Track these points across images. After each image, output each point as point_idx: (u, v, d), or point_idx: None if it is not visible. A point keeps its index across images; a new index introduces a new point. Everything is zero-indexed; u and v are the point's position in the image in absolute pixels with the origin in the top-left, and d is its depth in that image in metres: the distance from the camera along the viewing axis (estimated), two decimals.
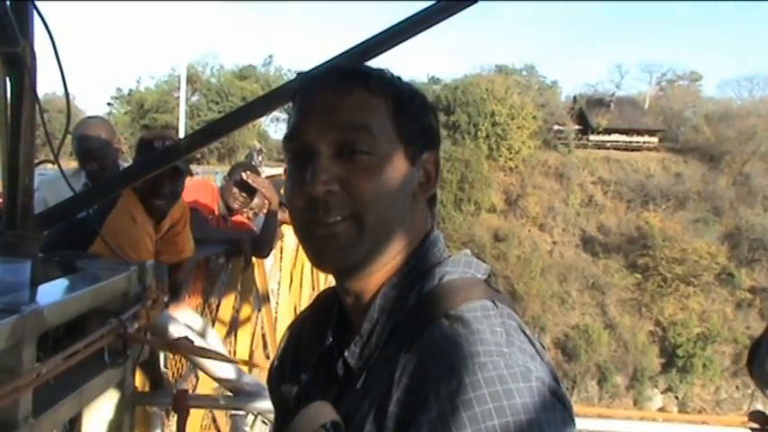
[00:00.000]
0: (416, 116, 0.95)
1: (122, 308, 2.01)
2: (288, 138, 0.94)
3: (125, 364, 2.06)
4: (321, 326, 1.03)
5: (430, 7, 1.88)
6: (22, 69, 1.86)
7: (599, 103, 45.90)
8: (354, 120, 0.90)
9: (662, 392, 34.85)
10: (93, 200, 2.26)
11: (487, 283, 0.92)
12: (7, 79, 1.86)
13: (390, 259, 0.92)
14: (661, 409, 34.01)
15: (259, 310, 5.30)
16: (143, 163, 2.45)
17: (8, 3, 1.77)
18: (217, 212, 4.47)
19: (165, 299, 2.31)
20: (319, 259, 0.92)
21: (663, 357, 35.59)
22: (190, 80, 38.36)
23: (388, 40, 1.92)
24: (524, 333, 0.85)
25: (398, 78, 0.98)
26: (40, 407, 1.57)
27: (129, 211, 2.75)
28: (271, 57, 47.03)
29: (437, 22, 1.90)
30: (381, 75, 0.96)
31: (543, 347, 0.87)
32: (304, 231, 0.92)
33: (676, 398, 34.58)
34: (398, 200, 0.91)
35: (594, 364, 34.91)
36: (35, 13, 1.87)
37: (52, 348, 1.73)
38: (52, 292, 1.78)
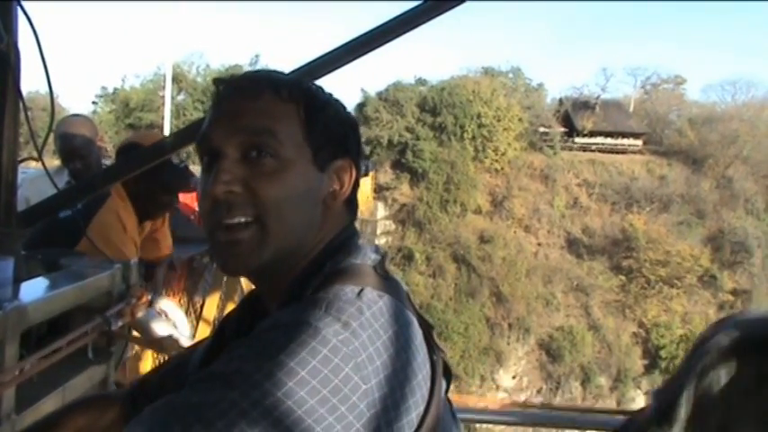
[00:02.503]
0: (328, 124, 0.98)
1: (106, 306, 2.02)
2: (198, 141, 0.97)
3: (108, 362, 2.06)
4: (243, 327, 1.05)
5: (417, 7, 1.89)
6: (6, 67, 1.86)
7: (584, 105, 46.01)
8: (260, 124, 0.92)
9: (645, 393, 35.01)
10: (77, 198, 2.25)
11: (376, 268, 0.94)
12: None
13: (298, 262, 0.96)
14: None
15: None
16: (127, 161, 2.45)
17: None
18: (197, 212, 4.46)
19: (150, 297, 2.31)
20: (224, 266, 0.95)
21: (646, 359, 35.80)
22: (175, 79, 38.15)
23: (376, 39, 1.93)
24: (395, 321, 0.86)
25: (316, 87, 1.02)
26: (23, 403, 1.57)
27: (118, 213, 2.71)
28: (257, 56, 46.71)
29: (424, 22, 1.91)
30: (294, 82, 0.99)
31: (426, 342, 0.91)
32: (210, 236, 0.94)
33: None
34: (303, 204, 0.94)
35: (578, 365, 35.06)
36: (20, 10, 1.87)
37: (35, 346, 1.73)
38: (35, 289, 1.78)
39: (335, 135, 0.99)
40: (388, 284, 0.92)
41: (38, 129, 2.49)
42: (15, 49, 1.87)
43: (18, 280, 1.76)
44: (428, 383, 0.87)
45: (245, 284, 5.11)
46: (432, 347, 0.93)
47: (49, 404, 1.71)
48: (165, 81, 28.55)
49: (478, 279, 36.98)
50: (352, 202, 1.03)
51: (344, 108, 1.04)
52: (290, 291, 0.94)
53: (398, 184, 39.92)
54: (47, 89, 2.00)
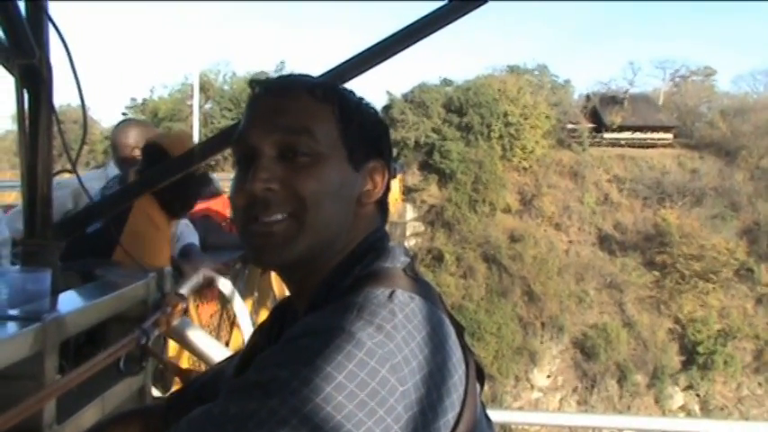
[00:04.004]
0: (362, 125, 0.99)
1: (142, 314, 2.04)
2: (234, 140, 0.98)
3: (146, 372, 2.09)
4: (273, 335, 1.07)
5: (441, 8, 1.90)
6: (39, 81, 1.89)
7: (612, 100, 45.55)
8: (297, 123, 0.94)
9: (683, 390, 34.51)
10: (112, 208, 2.29)
11: (406, 271, 0.94)
12: (24, 91, 1.89)
13: (328, 261, 0.96)
14: (682, 408, 33.72)
15: None
16: (159, 170, 2.47)
17: (24, 15, 1.80)
18: (229, 219, 4.50)
19: (185, 306, 2.33)
20: (258, 257, 0.95)
21: (683, 355, 35.25)
22: (203, 88, 38.50)
23: (401, 41, 1.94)
24: (428, 322, 0.86)
25: (349, 91, 1.04)
26: (64, 413, 1.59)
27: (147, 214, 2.74)
28: (282, 63, 46.82)
29: (449, 23, 1.92)
30: (328, 84, 1.01)
31: (459, 343, 0.90)
32: (243, 229, 0.95)
33: (697, 396, 34.24)
34: (338, 201, 0.95)
35: (614, 362, 34.64)
36: (50, 24, 1.90)
37: (74, 355, 1.76)
38: (73, 300, 1.80)
39: (369, 136, 1.01)
40: (419, 286, 0.92)
41: (70, 141, 2.53)
42: (47, 64, 1.90)
43: (56, 291, 1.79)
44: (464, 384, 0.87)
45: (278, 291, 5.15)
46: (465, 348, 0.92)
47: (88, 414, 1.73)
48: (192, 90, 28.83)
49: (510, 278, 36.73)
50: (383, 205, 1.05)
51: (377, 112, 1.06)
52: (318, 292, 0.95)
53: (426, 186, 39.81)
54: (77, 102, 2.04)
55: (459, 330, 0.94)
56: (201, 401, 1.08)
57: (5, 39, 1.80)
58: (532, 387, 34.85)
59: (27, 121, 1.89)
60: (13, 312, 1.53)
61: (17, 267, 1.81)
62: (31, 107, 1.91)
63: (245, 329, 3.22)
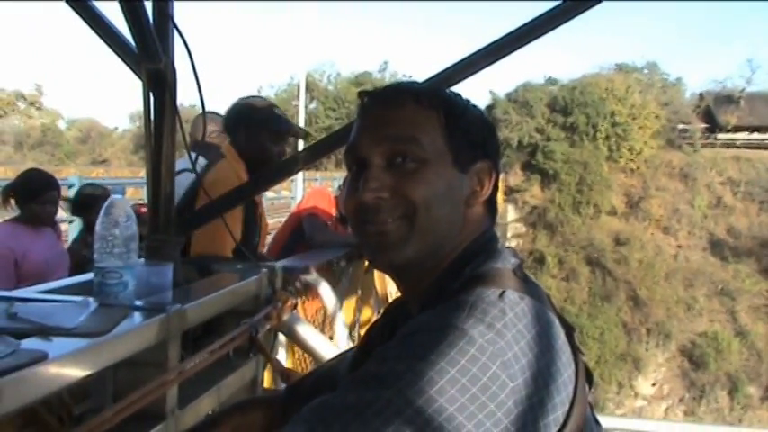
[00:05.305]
0: (468, 129, 1.02)
1: (254, 309, 2.13)
2: (346, 150, 1.04)
3: (258, 363, 2.17)
4: (386, 333, 1.12)
5: (555, 8, 1.87)
6: (164, 85, 2.00)
7: (728, 99, 43.42)
8: (404, 133, 0.98)
9: None
10: (232, 204, 2.38)
11: (516, 272, 0.96)
12: (151, 94, 2.00)
13: (440, 262, 1.00)
14: None
15: (378, 312, 5.38)
16: (269, 172, 2.55)
17: (152, 22, 1.91)
18: (334, 218, 4.59)
19: (295, 301, 2.41)
20: (373, 257, 1.02)
21: None
22: (308, 88, 39.22)
23: (515, 41, 1.93)
24: (537, 321, 0.89)
25: (455, 94, 1.07)
26: (185, 399, 1.69)
27: (235, 169, 2.84)
28: (386, 63, 47.33)
29: (562, 23, 1.89)
30: (434, 91, 1.05)
31: (569, 344, 0.93)
32: (359, 231, 1.01)
33: None
34: (447, 204, 0.99)
35: (725, 373, 33.04)
36: (175, 31, 2.00)
37: (192, 346, 1.85)
38: (192, 293, 1.90)
39: (475, 139, 1.04)
40: (529, 287, 0.95)
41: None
42: (172, 69, 2.01)
43: (176, 284, 1.89)
44: (573, 383, 0.90)
45: (380, 289, 5.21)
46: (574, 349, 0.95)
47: (206, 400, 1.83)
48: (298, 91, 29.50)
49: (614, 282, 35.65)
50: (492, 205, 1.08)
51: (483, 113, 1.09)
52: (430, 292, 0.99)
53: (529, 186, 39.17)
54: (188, 102, 2.14)
55: (569, 331, 0.96)
56: (317, 393, 1.13)
57: (135, 45, 1.91)
58: (636, 395, 33.72)
59: (152, 124, 2.01)
60: (138, 303, 1.63)
61: (142, 261, 1.92)
62: (157, 110, 2.02)
63: (338, 328, 3.26)
